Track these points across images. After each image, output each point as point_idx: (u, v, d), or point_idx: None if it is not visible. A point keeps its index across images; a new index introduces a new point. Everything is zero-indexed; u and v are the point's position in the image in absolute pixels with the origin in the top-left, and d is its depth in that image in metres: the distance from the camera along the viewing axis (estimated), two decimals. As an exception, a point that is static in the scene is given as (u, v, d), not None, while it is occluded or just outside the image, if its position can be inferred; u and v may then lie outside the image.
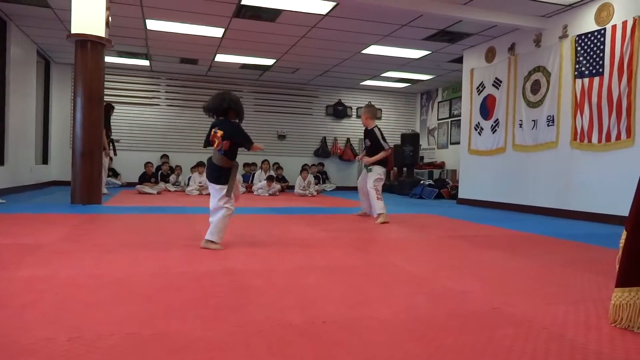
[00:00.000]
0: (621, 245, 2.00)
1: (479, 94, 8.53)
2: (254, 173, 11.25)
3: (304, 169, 10.71)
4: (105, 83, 7.04)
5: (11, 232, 4.05)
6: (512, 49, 7.77)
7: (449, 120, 12.29)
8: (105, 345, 1.61)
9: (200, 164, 9.88)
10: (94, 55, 6.46)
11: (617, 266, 2.02)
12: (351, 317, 2.01)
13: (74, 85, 6.69)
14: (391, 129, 13.63)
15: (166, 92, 11.92)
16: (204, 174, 9.36)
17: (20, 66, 8.61)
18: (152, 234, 4.17)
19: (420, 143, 12.34)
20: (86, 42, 6.39)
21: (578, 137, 6.43)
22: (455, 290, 2.50)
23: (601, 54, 6.10)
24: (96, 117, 6.59)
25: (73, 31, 6.36)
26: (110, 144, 9.03)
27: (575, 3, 6.45)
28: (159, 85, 11.88)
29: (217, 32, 8.21)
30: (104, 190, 8.58)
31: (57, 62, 11.05)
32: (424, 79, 11.64)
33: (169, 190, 10.39)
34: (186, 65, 10.95)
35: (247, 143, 3.60)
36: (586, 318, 2.07)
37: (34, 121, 9.75)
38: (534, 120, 7.21)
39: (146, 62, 10.73)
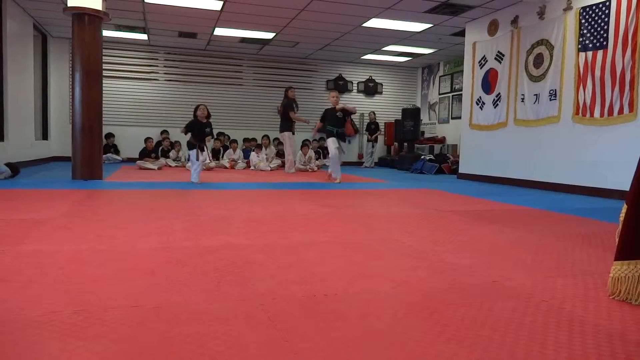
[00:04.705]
0: (621, 219, 2.01)
1: (481, 68, 8.44)
2: (254, 149, 11.21)
3: (305, 144, 10.69)
4: (104, 57, 6.96)
5: (14, 207, 4.07)
6: (515, 21, 7.65)
7: (450, 94, 12.19)
8: (110, 318, 1.63)
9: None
10: (91, 29, 6.38)
11: (617, 240, 2.03)
12: (352, 290, 2.04)
13: (72, 60, 6.62)
14: (392, 103, 13.55)
15: (165, 66, 11.79)
16: (205, 151, 9.55)
17: (17, 41, 8.50)
18: (154, 209, 4.19)
19: (421, 118, 12.26)
20: (83, 16, 6.30)
21: (580, 111, 6.39)
22: (455, 264, 2.52)
23: (605, 27, 6.01)
24: (95, 92, 6.54)
25: (70, 4, 6.26)
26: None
27: (581, -26, 6.33)
28: (157, 59, 11.74)
29: (216, 4, 8.07)
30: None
31: (54, 36, 10.90)
32: (426, 52, 11.49)
33: (170, 166, 10.39)
34: (185, 39, 10.80)
35: None
36: (585, 291, 2.10)
37: (33, 97, 9.68)
38: (536, 95, 7.15)
39: (144, 36, 10.59)
